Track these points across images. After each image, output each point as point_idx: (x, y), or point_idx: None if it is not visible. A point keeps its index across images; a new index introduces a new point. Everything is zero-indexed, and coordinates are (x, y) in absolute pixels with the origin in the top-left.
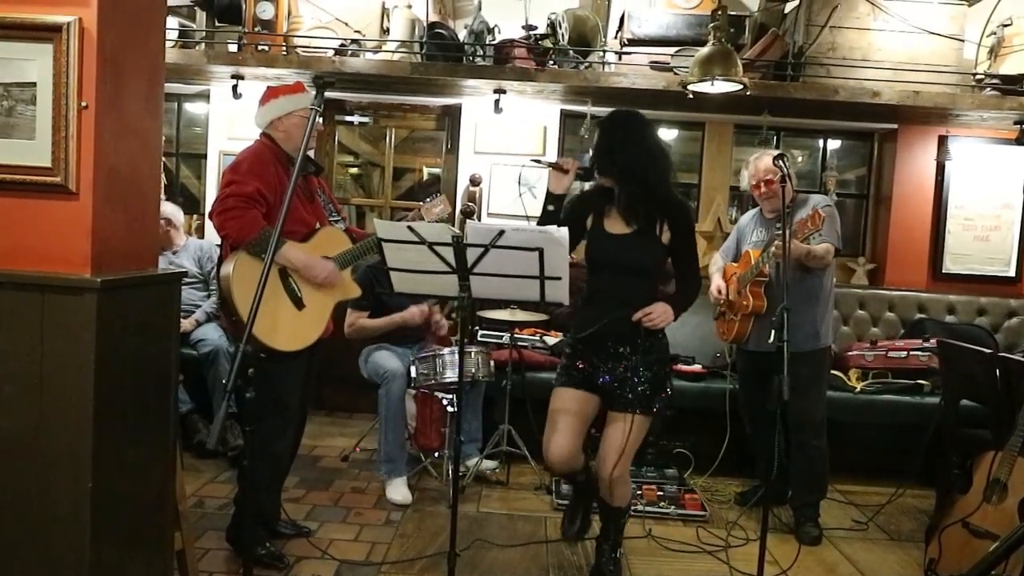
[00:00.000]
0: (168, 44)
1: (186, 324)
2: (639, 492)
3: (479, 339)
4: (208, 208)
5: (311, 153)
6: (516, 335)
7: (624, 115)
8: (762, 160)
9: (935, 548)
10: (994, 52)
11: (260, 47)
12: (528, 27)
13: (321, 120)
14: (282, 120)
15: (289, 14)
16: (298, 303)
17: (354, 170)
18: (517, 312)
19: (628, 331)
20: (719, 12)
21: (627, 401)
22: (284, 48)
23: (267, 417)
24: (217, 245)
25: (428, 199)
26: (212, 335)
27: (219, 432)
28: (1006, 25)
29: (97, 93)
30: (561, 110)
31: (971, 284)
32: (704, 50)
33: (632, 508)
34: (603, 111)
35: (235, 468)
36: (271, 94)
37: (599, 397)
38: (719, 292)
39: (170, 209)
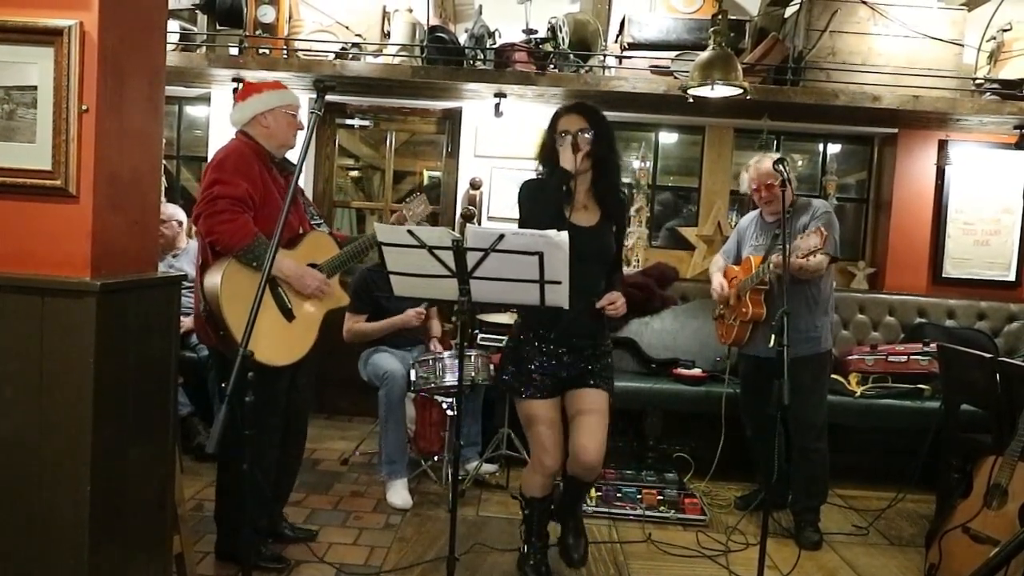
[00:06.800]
0: (169, 47)
1: (187, 322)
2: (639, 496)
3: (479, 343)
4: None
5: (289, 155)
6: None
7: (596, 107)
8: (762, 164)
9: (935, 553)
10: (994, 57)
11: (261, 50)
12: (529, 31)
13: (317, 123)
14: (265, 116)
15: (290, 18)
16: (288, 314)
17: (354, 173)
18: (517, 316)
19: (591, 324)
20: (719, 16)
21: (596, 377)
22: (285, 51)
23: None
24: None
25: (407, 200)
26: None
27: (219, 436)
28: (1006, 30)
29: (98, 96)
30: (553, 115)
31: (971, 288)
32: (704, 54)
33: (632, 512)
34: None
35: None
36: (252, 89)
37: (562, 393)
38: (721, 288)
39: (180, 211)
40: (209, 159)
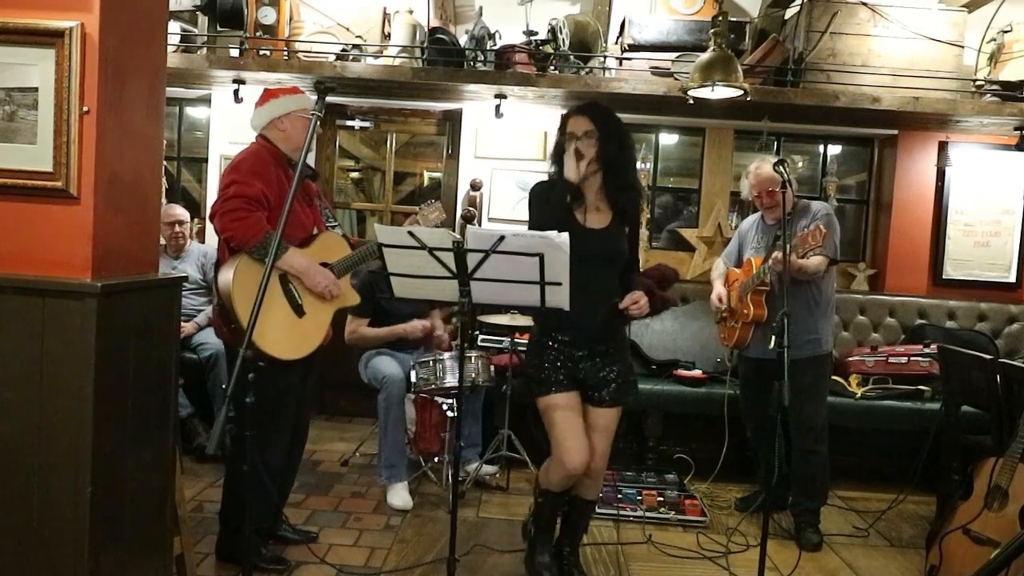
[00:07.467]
0: (170, 49)
1: (187, 328)
2: (639, 497)
3: (479, 344)
4: (209, 210)
5: (308, 158)
6: (516, 340)
7: (605, 107)
8: (762, 169)
9: (936, 555)
10: (994, 58)
11: (262, 52)
12: (529, 32)
13: (320, 124)
14: (282, 120)
15: (291, 19)
16: (298, 310)
17: (355, 174)
18: (517, 317)
19: (607, 325)
20: (719, 18)
21: (609, 396)
22: (286, 53)
23: (259, 423)
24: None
25: (424, 205)
26: (213, 339)
27: (219, 437)
28: (1006, 31)
29: (99, 98)
30: (562, 116)
31: (971, 290)
32: (705, 56)
33: (632, 513)
34: None
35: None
36: (270, 95)
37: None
38: (720, 300)
39: (185, 212)
40: (209, 160)
